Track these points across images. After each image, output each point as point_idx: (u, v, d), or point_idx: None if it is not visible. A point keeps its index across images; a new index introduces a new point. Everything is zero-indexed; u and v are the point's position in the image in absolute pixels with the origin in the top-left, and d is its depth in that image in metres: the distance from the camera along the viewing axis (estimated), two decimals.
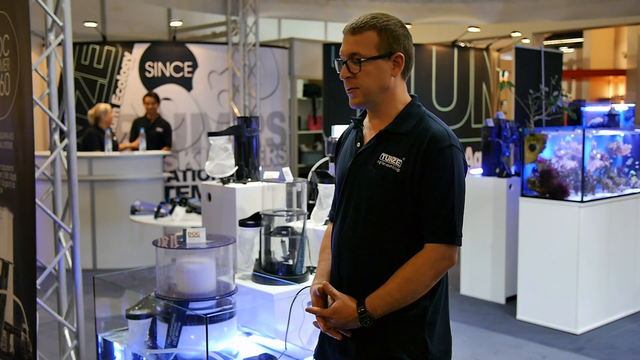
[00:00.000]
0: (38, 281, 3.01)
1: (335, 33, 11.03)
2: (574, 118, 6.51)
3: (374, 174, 1.83)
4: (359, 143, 1.93)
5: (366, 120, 1.97)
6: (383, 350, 1.82)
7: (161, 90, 7.90)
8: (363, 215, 1.85)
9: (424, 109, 1.90)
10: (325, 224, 3.08)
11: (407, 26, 1.89)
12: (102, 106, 7.27)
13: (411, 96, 1.93)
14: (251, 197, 3.21)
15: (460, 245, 1.81)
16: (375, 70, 1.82)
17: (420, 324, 1.81)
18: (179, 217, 5.48)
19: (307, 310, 1.90)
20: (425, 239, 1.79)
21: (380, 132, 1.87)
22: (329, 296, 1.89)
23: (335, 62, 1.90)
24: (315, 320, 1.88)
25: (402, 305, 1.78)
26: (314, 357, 2.06)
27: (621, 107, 6.64)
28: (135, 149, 7.32)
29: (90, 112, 7.26)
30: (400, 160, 1.80)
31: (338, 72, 1.89)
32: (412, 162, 1.78)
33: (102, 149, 7.03)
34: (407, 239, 1.81)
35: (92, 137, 7.08)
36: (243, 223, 2.99)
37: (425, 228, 1.79)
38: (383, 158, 1.83)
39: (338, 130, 3.14)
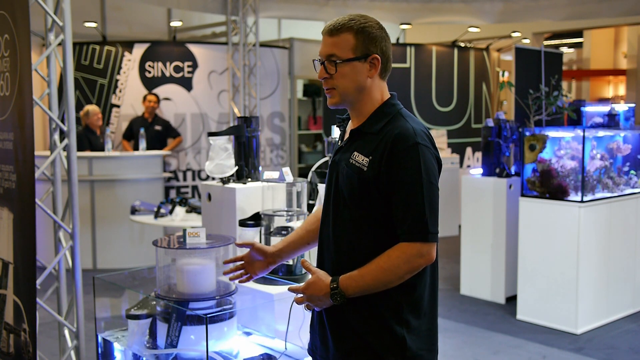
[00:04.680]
0: (38, 281, 3.01)
1: None
2: (574, 118, 6.51)
3: (346, 171, 1.88)
4: (340, 141, 2.00)
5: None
6: (361, 341, 1.85)
7: (161, 90, 7.90)
8: (340, 211, 1.90)
9: (399, 107, 1.91)
10: None
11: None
12: (86, 107, 7.26)
13: (391, 94, 1.95)
14: (251, 197, 3.21)
15: (436, 241, 1.81)
16: (351, 71, 1.86)
17: (397, 319, 1.83)
18: (179, 217, 5.48)
19: (289, 289, 1.96)
20: (400, 238, 1.80)
21: (352, 131, 1.92)
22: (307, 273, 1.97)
23: (314, 62, 1.92)
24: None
25: (373, 290, 1.81)
26: (308, 352, 2.11)
27: (621, 107, 6.64)
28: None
29: (81, 113, 7.27)
30: (367, 160, 1.83)
31: (316, 72, 1.92)
32: (378, 162, 1.81)
33: (90, 149, 7.03)
34: (382, 236, 1.83)
35: (79, 137, 6.98)
36: (243, 223, 2.98)
37: (397, 227, 1.80)
38: (354, 157, 1.87)
39: (338, 131, 3.14)
